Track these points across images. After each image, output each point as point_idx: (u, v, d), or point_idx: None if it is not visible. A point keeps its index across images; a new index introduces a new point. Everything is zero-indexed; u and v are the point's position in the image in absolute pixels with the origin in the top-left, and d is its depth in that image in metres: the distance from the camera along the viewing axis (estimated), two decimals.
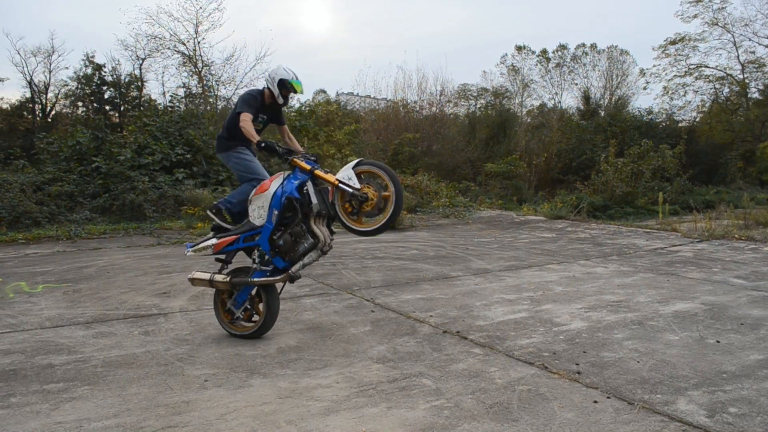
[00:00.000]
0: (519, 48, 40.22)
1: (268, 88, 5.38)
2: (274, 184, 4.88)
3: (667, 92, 34.31)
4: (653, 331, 5.11)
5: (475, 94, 37.78)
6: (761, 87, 32.95)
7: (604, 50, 38.72)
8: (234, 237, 5.04)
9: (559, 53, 39.83)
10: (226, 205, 5.27)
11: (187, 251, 5.23)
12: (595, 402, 3.54)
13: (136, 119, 18.27)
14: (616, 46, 38.40)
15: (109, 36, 50.15)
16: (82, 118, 23.26)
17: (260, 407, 3.48)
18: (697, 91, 34.07)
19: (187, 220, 13.13)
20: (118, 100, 24.49)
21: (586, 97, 35.23)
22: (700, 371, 4.08)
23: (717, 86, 33.78)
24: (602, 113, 33.19)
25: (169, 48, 23.34)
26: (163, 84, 28.60)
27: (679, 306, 6.01)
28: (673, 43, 33.44)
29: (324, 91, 38.03)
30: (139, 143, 15.91)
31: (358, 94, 31.15)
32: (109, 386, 3.81)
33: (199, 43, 23.32)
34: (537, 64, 40.14)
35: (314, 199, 4.73)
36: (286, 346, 4.71)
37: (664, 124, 32.10)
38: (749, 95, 33.18)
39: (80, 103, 25.61)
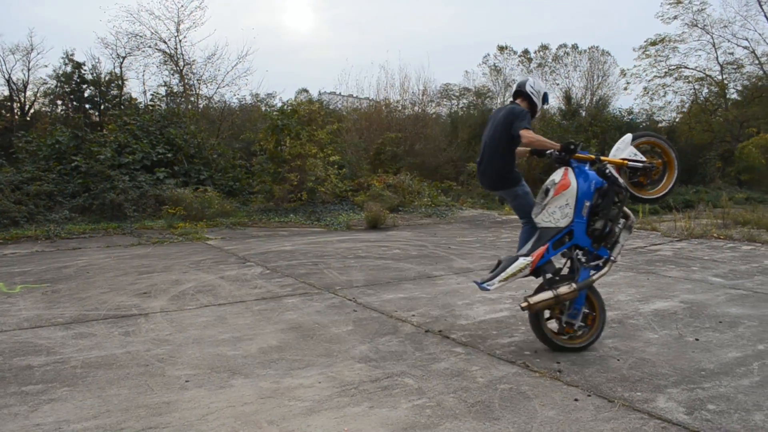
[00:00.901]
0: (501, 48, 40.38)
1: (532, 101, 5.08)
2: (572, 178, 4.66)
3: (648, 93, 34.64)
4: (633, 329, 5.16)
5: (457, 94, 37.84)
6: (740, 88, 33.39)
7: (585, 51, 38.98)
8: (543, 248, 4.56)
9: (541, 54, 40.05)
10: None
11: (488, 287, 4.47)
12: (576, 400, 3.57)
13: (116, 118, 18.09)
14: (597, 47, 38.65)
15: (90, 34, 49.59)
16: (62, 117, 23.01)
17: (241, 407, 3.47)
18: (676, 92, 34.45)
19: (168, 219, 13.04)
20: (98, 99, 24.24)
21: (568, 98, 35.43)
22: (679, 369, 4.13)
23: (696, 87, 34.17)
24: (583, 113, 33.39)
25: (149, 46, 23.12)
26: (144, 82, 28.42)
27: (658, 304, 6.08)
28: (654, 44, 33.75)
29: (306, 91, 37.88)
30: (119, 142, 15.77)
31: (340, 94, 31.07)
32: (88, 387, 3.77)
33: (180, 41, 23.16)
34: (519, 65, 40.32)
35: (622, 182, 4.66)
36: (268, 346, 4.69)
37: (644, 124, 32.44)
38: (728, 96, 33.59)
39: (59, 102, 25.30)
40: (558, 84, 39.14)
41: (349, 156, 20.34)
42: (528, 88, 5.10)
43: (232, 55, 35.76)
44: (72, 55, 23.83)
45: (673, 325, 5.26)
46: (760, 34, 38.49)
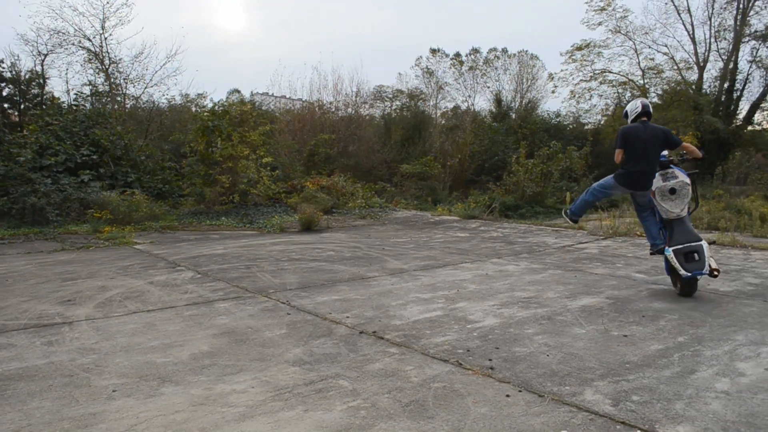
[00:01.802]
0: (433, 51, 40.88)
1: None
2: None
3: (574, 96, 35.69)
4: (562, 325, 5.32)
5: (390, 96, 38.04)
6: (660, 92, 34.84)
7: (514, 55, 39.93)
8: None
9: (472, 57, 40.76)
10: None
11: (704, 272, 6.13)
12: (508, 396, 3.66)
13: (37, 118, 17.34)
14: (526, 51, 39.70)
15: (8, 30, 47.30)
16: None
17: (172, 416, 3.39)
18: (601, 96, 35.61)
19: (94, 223, 12.59)
20: (18, 98, 23.17)
21: (498, 100, 36.19)
22: (605, 362, 4.28)
23: (620, 91, 35.42)
24: (513, 116, 34.18)
25: (73, 44, 22.21)
26: (68, 81, 27.24)
27: (585, 301, 6.29)
28: (579, 49, 34.83)
29: (238, 91, 37.30)
30: (41, 143, 15.13)
31: (273, 95, 30.75)
32: (8, 401, 3.60)
33: (105, 39, 22.33)
34: (451, 67, 40.92)
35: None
36: (199, 352, 4.60)
37: (571, 126, 33.47)
38: (649, 100, 34.99)
39: None
40: (489, 87, 39.95)
41: (282, 157, 20.17)
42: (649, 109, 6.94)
43: (160, 53, 35.03)
44: None
45: (599, 321, 5.45)
46: (678, 41, 40.09)
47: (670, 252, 6.27)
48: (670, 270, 6.59)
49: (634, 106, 7.02)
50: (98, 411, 3.45)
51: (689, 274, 6.08)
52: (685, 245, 6.20)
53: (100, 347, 4.72)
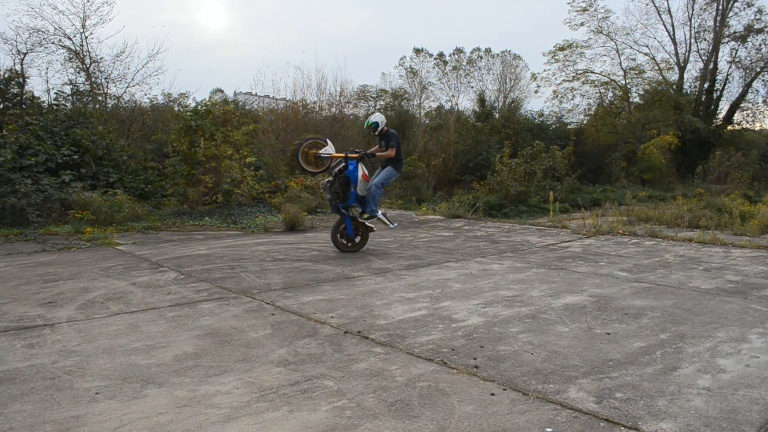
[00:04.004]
0: (417, 51, 41.06)
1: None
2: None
3: (557, 96, 36.00)
4: (546, 323, 5.36)
5: (374, 96, 38.12)
6: (641, 92, 35.22)
7: (498, 55, 40.20)
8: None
9: (456, 57, 40.98)
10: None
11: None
12: (492, 394, 3.67)
13: (17, 118, 17.09)
14: (509, 51, 39.98)
15: None
16: None
17: (156, 418, 3.37)
18: (584, 95, 35.98)
19: (75, 224, 12.45)
20: None
21: (482, 100, 36.38)
22: (588, 360, 4.32)
23: (602, 91, 35.80)
24: (497, 115, 34.39)
25: (53, 42, 21.93)
26: (48, 80, 26.78)
27: (569, 299, 6.33)
28: (562, 49, 35.11)
29: (221, 90, 37.19)
30: (20, 143, 14.91)
31: (256, 94, 30.61)
32: None
33: (86, 38, 22.09)
34: (435, 67, 41.15)
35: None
36: (183, 353, 4.57)
37: (554, 126, 33.75)
38: (631, 100, 35.38)
39: None
40: (472, 87, 40.24)
41: (265, 157, 20.08)
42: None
43: (142, 53, 34.72)
44: None
45: (582, 319, 5.50)
46: (659, 42, 40.69)
47: (384, 213, 9.84)
48: (342, 234, 9.72)
49: (384, 118, 9.86)
50: (81, 414, 3.42)
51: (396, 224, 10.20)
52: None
53: (83, 349, 4.68)
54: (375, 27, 73.29)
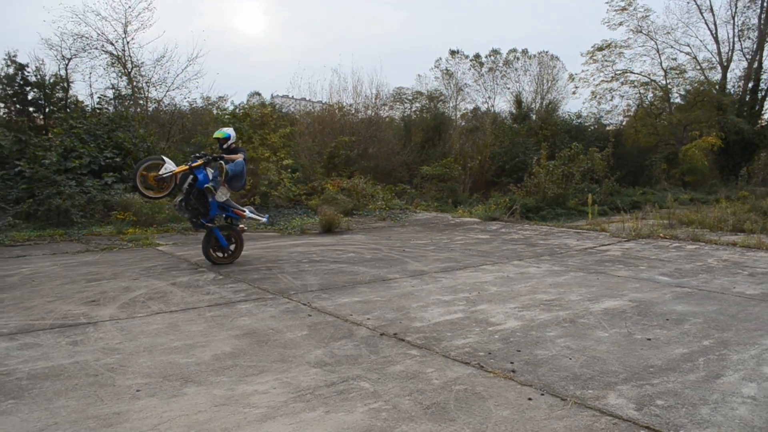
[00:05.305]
0: (453, 52, 40.84)
1: None
2: None
3: (595, 97, 35.46)
4: (584, 328, 5.28)
5: (410, 98, 38.07)
6: (682, 92, 34.48)
7: (534, 55, 39.80)
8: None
9: (492, 58, 40.68)
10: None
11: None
12: (530, 399, 3.64)
13: (62, 121, 17.56)
14: (546, 52, 39.56)
15: (33, 35, 47.93)
16: (4, 120, 22.17)
17: (195, 416, 3.42)
18: (623, 96, 35.36)
19: (117, 225, 12.74)
20: (43, 102, 23.49)
21: (518, 101, 36.06)
22: (628, 366, 4.24)
23: (642, 91, 35.14)
24: (534, 117, 34.04)
25: (96, 48, 22.53)
26: (91, 85, 27.41)
27: (608, 303, 6.24)
28: (600, 49, 34.58)
29: (258, 94, 37.56)
30: (65, 146, 15.32)
31: (293, 97, 30.88)
32: (35, 399, 3.66)
33: (128, 43, 22.62)
34: (470, 69, 40.89)
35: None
36: (221, 352, 4.64)
37: (592, 127, 33.25)
38: (672, 100, 34.66)
39: (1, 105, 24.43)
40: (509, 88, 39.88)
41: (302, 160, 20.23)
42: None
43: (181, 57, 35.28)
44: (15, 56, 23.00)
45: (622, 324, 5.41)
46: (701, 41, 39.83)
47: (252, 210, 9.30)
48: (215, 248, 8.95)
49: (235, 133, 9.42)
50: (122, 410, 3.50)
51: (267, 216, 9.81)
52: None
53: (124, 347, 4.78)
54: (410, 29, 73.37)
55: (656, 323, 5.43)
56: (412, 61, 72.02)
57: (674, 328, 5.26)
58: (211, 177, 8.58)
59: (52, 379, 4.03)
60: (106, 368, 4.26)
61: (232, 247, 9.06)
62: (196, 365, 4.33)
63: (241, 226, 9.33)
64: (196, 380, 4.01)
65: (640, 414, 3.41)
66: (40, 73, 23.10)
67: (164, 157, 8.65)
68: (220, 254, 8.94)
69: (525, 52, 39.96)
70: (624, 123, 35.83)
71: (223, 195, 8.73)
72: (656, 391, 3.76)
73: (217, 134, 9.05)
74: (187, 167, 8.52)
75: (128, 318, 5.74)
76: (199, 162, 8.56)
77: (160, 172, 8.34)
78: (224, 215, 9.04)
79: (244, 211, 9.05)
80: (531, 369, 4.20)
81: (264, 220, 9.38)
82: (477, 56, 40.77)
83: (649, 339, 4.93)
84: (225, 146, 8.96)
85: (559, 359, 4.42)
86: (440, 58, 41.19)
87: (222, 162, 8.65)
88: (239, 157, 8.83)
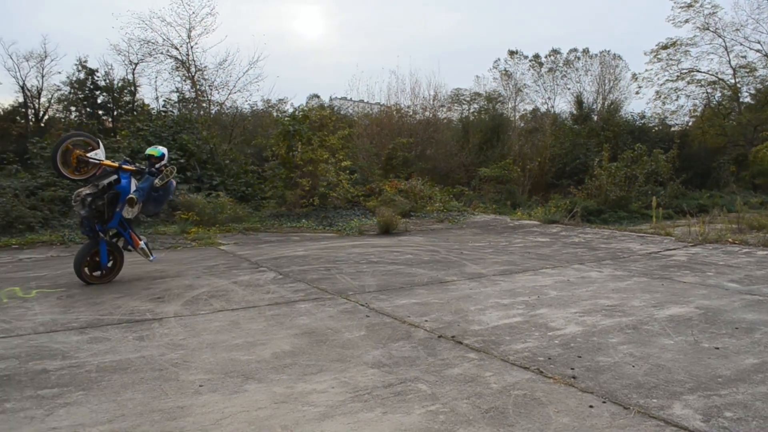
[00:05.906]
0: (511, 53, 40.31)
1: None
2: None
3: (660, 97, 34.46)
4: (648, 335, 5.13)
5: (468, 99, 37.82)
6: (753, 91, 33.15)
7: (596, 55, 38.88)
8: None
9: (552, 58, 39.96)
10: None
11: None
12: (591, 407, 3.55)
13: (129, 124, 18.24)
14: (608, 51, 38.55)
15: (102, 41, 49.83)
16: (75, 123, 23.17)
17: (255, 412, 3.47)
18: (689, 96, 34.24)
19: (181, 224, 13.11)
20: (111, 105, 24.46)
21: (579, 102, 35.34)
22: (695, 375, 4.09)
23: (709, 91, 33.96)
24: (595, 118, 33.32)
25: (161, 53, 23.28)
26: (156, 89, 28.51)
27: (673, 310, 6.04)
28: (665, 47, 33.59)
29: (317, 96, 38.01)
30: (132, 148, 15.87)
31: (351, 99, 31.12)
32: (103, 391, 3.79)
33: (192, 47, 23.30)
34: (530, 69, 40.25)
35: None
36: (281, 351, 4.70)
37: (656, 128, 32.32)
38: (741, 100, 33.36)
39: (73, 108, 25.53)
40: (569, 88, 39.09)
41: (360, 161, 20.37)
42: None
43: (243, 61, 36.01)
44: (85, 61, 24.08)
45: (688, 331, 5.22)
46: None
47: (146, 243, 8.18)
48: (92, 264, 7.77)
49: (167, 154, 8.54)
50: (186, 405, 3.58)
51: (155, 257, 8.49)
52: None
53: (188, 343, 4.90)
54: (468, 29, 72.68)
55: (725, 332, 5.23)
56: (469, 61, 71.34)
57: (744, 337, 5.04)
58: (134, 188, 7.79)
59: (120, 373, 4.17)
60: (171, 363, 4.38)
61: (110, 263, 7.91)
62: (256, 363, 4.40)
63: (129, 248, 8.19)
64: (257, 377, 4.08)
65: (708, 426, 3.28)
66: (109, 77, 24.06)
67: (100, 141, 7.88)
68: (97, 273, 7.76)
69: (586, 51, 39.10)
70: (690, 124, 34.71)
71: (131, 213, 7.87)
72: (725, 402, 3.62)
73: (151, 150, 8.26)
74: (116, 164, 7.84)
75: (191, 315, 5.89)
76: (131, 167, 7.89)
77: (89, 154, 7.54)
78: (118, 232, 8.07)
79: (140, 240, 8.09)
80: (592, 376, 4.10)
81: (152, 258, 8.24)
82: (536, 56, 40.13)
83: (717, 348, 4.74)
84: (157, 166, 8.10)
85: (622, 366, 4.30)
86: (499, 59, 40.71)
87: (158, 180, 7.93)
88: (170, 184, 8.18)
